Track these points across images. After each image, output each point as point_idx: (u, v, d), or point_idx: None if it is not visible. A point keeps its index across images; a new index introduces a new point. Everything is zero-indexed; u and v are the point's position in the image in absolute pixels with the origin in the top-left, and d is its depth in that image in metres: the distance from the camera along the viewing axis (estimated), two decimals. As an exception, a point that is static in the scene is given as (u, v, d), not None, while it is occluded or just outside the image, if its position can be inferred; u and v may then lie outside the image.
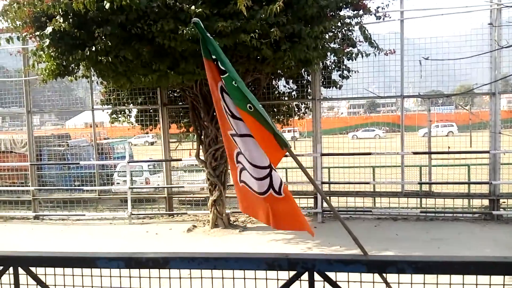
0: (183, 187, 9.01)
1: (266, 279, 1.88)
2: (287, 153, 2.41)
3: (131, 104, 8.91)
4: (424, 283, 1.78)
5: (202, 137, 7.41)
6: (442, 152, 7.99)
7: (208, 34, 2.33)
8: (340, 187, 8.63)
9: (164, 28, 5.53)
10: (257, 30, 5.56)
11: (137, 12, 5.50)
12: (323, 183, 8.12)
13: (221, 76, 2.33)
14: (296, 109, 8.86)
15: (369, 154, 8.19)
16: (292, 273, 1.85)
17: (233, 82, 2.26)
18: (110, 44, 5.67)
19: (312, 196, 8.20)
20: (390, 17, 7.43)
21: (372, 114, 21.62)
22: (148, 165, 11.41)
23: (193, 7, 5.46)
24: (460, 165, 8.39)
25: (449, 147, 7.79)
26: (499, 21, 7.11)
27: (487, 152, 7.41)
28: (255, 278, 1.90)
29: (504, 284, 1.76)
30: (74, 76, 7.00)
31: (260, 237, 6.86)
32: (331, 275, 1.85)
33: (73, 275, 2.11)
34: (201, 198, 8.73)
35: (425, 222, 7.44)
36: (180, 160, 8.88)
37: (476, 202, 7.92)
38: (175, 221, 8.30)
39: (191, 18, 5.47)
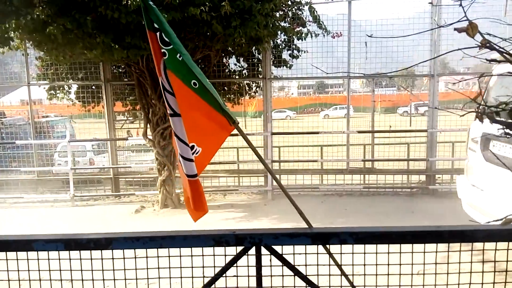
0: (130, 167, 8.72)
1: (214, 255, 1.88)
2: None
3: (71, 80, 8.36)
4: (364, 253, 1.86)
5: (150, 115, 7.16)
6: (384, 131, 8.39)
7: (151, 3, 2.20)
8: (290, 165, 8.83)
9: (107, -3, 5.19)
10: (207, 3, 5.39)
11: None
12: (273, 161, 8.24)
13: (165, 48, 2.22)
14: (247, 88, 8.83)
15: (317, 133, 8.41)
16: (240, 248, 1.86)
17: (178, 56, 2.17)
18: (48, 12, 5.22)
19: (263, 175, 8.31)
20: (338, -2, 7.54)
21: (321, 95, 22.18)
22: (92, 145, 10.88)
23: (138, -23, 5.15)
24: (400, 143, 8.91)
25: (390, 126, 8.20)
26: (439, 3, 7.47)
27: (425, 130, 7.91)
28: (203, 255, 1.89)
29: (436, 252, 1.90)
30: (7, 47, 6.39)
31: (211, 216, 6.85)
32: (278, 248, 1.88)
33: (6, 259, 1.97)
34: (150, 179, 8.51)
35: (368, 197, 7.85)
36: (126, 139, 8.55)
37: (415, 177, 8.47)
38: (122, 202, 8.06)
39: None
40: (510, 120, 1.14)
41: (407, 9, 8.07)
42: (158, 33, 2.20)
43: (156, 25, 2.20)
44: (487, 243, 1.81)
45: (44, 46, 5.94)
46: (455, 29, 1.20)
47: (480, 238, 1.75)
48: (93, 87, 8.39)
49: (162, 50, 2.24)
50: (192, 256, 1.89)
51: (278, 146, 9.15)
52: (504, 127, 1.15)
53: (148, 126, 7.23)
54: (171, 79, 2.32)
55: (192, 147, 2.51)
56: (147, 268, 1.93)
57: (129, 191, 8.68)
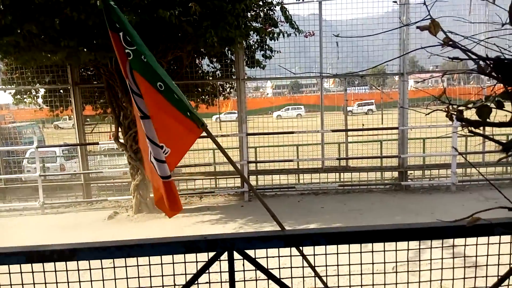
0: (102, 172, 8.48)
1: (185, 262, 1.82)
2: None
3: (38, 84, 8.06)
4: (337, 253, 1.86)
5: (121, 118, 6.99)
6: (357, 129, 8.52)
7: (112, 3, 2.11)
8: (266, 165, 8.83)
9: (73, -2, 5.02)
10: (176, 7, 5.30)
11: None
12: (249, 162, 8.20)
13: (129, 49, 2.14)
14: (221, 89, 8.76)
15: (292, 133, 8.44)
16: (212, 254, 1.82)
17: (142, 57, 2.10)
18: (10, 17, 5.00)
19: (239, 176, 8.26)
20: (309, -2, 7.59)
21: (296, 95, 22.35)
22: (63, 150, 10.54)
23: (104, -23, 5.01)
24: (373, 141, 9.07)
25: (363, 125, 8.32)
26: (407, 2, 7.64)
27: (396, 128, 8.07)
28: (173, 263, 1.83)
29: (408, 249, 1.91)
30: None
31: (187, 219, 6.76)
32: (251, 252, 1.85)
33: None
34: (124, 183, 8.31)
35: (343, 194, 7.94)
36: (97, 143, 8.31)
37: (388, 174, 8.63)
38: (95, 209, 7.82)
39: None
40: (473, 119, 1.15)
41: (376, 9, 8.20)
42: (121, 34, 2.13)
43: (118, 26, 2.12)
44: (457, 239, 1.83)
45: (7, 51, 5.70)
46: (417, 27, 1.20)
47: (449, 234, 1.77)
48: (61, 90, 8.11)
49: (126, 51, 2.17)
50: (162, 264, 1.83)
51: (254, 146, 9.14)
52: (468, 124, 1.16)
53: (120, 129, 7.05)
54: (138, 81, 2.25)
55: (161, 147, 2.47)
56: (115, 279, 1.85)
57: (102, 196, 8.44)
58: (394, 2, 6.89)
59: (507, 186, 7.70)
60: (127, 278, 1.87)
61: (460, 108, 1.32)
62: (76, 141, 8.12)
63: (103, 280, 1.86)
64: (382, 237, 1.80)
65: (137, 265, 1.86)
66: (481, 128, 1.33)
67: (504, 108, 1.29)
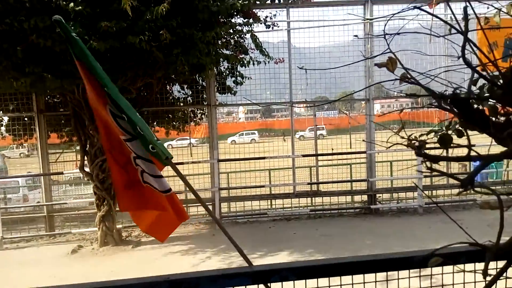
0: (66, 203, 8.12)
1: (147, 304, 1.72)
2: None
3: (1, 112, 7.74)
4: (306, 288, 1.81)
5: (87, 147, 6.78)
6: (326, 154, 8.62)
7: (74, 34, 2.07)
8: (238, 191, 8.74)
9: (38, 25, 4.92)
10: (146, 32, 5.29)
11: (5, 6, 4.80)
12: (220, 189, 8.11)
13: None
14: (192, 115, 8.72)
15: (264, 158, 8.45)
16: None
17: (105, 89, 2.05)
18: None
19: (210, 203, 8.12)
20: (278, 26, 7.80)
21: (268, 119, 22.60)
22: (26, 180, 10.09)
23: (71, 4, 4.96)
24: (343, 165, 9.21)
25: (332, 149, 8.46)
26: (371, 33, 7.99)
27: (364, 152, 8.25)
28: (134, 305, 1.72)
29: (375, 281, 1.89)
30: None
31: (155, 251, 6.52)
32: (217, 291, 1.78)
33: None
34: (89, 214, 7.97)
35: (314, 220, 7.94)
36: (62, 173, 7.98)
37: (357, 198, 8.74)
38: (58, 243, 7.42)
39: (70, 16, 4.98)
40: (432, 154, 1.17)
41: (342, 38, 8.51)
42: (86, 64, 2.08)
43: (81, 58, 2.07)
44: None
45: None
46: (375, 64, 1.22)
47: (416, 264, 1.77)
48: (26, 118, 7.83)
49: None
50: (122, 307, 1.72)
51: (226, 172, 9.07)
52: (426, 159, 1.18)
53: (86, 158, 6.83)
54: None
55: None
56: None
57: (66, 229, 8.04)
58: (355, 36, 7.19)
59: (470, 207, 7.95)
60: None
61: (421, 139, 1.35)
62: (40, 170, 7.78)
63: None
64: (350, 269, 1.78)
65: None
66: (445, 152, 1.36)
67: (464, 136, 1.33)
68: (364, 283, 1.83)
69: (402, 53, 1.43)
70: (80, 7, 4.96)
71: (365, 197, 8.51)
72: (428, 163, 1.18)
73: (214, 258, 6.00)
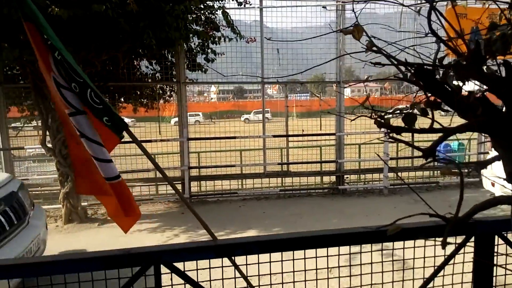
0: (28, 179, 7.80)
1: (106, 279, 1.67)
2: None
3: (-47, 82, 7.24)
4: (270, 262, 1.81)
5: (49, 121, 6.48)
6: (297, 135, 8.68)
7: (27, -5, 1.90)
8: (208, 171, 8.68)
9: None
10: (112, 0, 5.04)
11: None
12: (190, 167, 8.02)
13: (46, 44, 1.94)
14: (160, 92, 8.49)
15: (234, 138, 8.39)
16: (136, 269, 1.68)
17: (56, 54, 1.90)
18: None
19: (180, 182, 8.03)
20: (250, 4, 7.64)
21: (240, 100, 22.47)
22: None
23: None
24: (313, 147, 9.31)
25: (303, 131, 8.52)
26: (343, 15, 7.98)
27: (334, 134, 8.36)
28: (92, 280, 1.67)
29: (339, 255, 1.91)
30: None
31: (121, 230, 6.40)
32: (180, 265, 1.75)
33: None
34: (54, 191, 7.70)
35: (284, 199, 8.03)
36: (23, 148, 7.63)
37: (326, 179, 8.89)
38: (19, 220, 7.15)
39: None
40: (396, 125, 1.16)
41: (315, 19, 8.47)
42: (36, 26, 1.91)
43: (32, 19, 1.90)
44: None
45: None
46: (340, 30, 1.19)
47: (378, 239, 1.80)
48: (-18, 91, 7.36)
49: (49, 42, 1.95)
50: (79, 282, 1.66)
51: (196, 151, 8.97)
52: (389, 131, 1.17)
53: (48, 133, 6.54)
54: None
55: (102, 145, 2.16)
56: (24, 302, 1.65)
57: (28, 206, 7.74)
58: (323, 7, 7.14)
59: (433, 189, 8.28)
60: (39, 299, 1.67)
61: (386, 115, 1.35)
62: (-2, 145, 7.40)
63: (9, 303, 1.65)
64: (314, 243, 1.79)
65: (51, 284, 1.67)
66: (410, 135, 1.37)
67: (428, 116, 1.33)
68: (327, 256, 1.85)
69: (374, 36, 1.40)
70: (40, -29, 4.64)
71: (333, 178, 8.67)
72: (392, 134, 1.18)
73: (182, 236, 5.97)
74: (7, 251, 3.38)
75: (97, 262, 1.60)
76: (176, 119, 8.12)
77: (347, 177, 8.71)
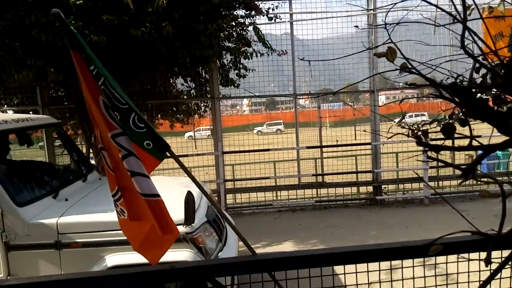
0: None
1: (153, 294, 1.75)
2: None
3: (5, 106, 7.81)
4: (309, 277, 1.83)
5: (92, 140, 6.82)
6: (331, 146, 8.61)
7: (72, 28, 2.07)
8: (243, 183, 8.77)
9: (40, 20, 4.94)
10: (147, 25, 5.29)
11: (6, 1, 4.82)
12: (225, 180, 8.14)
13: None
14: (195, 108, 8.73)
15: (268, 150, 8.45)
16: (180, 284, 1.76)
17: (100, 82, 2.03)
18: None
19: (216, 195, 8.16)
20: (280, 19, 7.75)
21: (272, 112, 22.56)
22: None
23: (72, -2, 4.95)
24: (348, 156, 9.19)
25: (337, 141, 8.44)
26: (375, 21, 7.92)
27: (369, 144, 8.23)
28: (140, 295, 1.76)
29: (379, 270, 1.91)
30: None
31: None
32: (221, 280, 1.80)
33: None
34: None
35: (320, 210, 7.96)
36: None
37: (363, 189, 8.73)
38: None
39: (71, 10, 4.99)
40: (433, 143, 1.17)
41: (346, 29, 8.45)
42: (83, 55, 2.06)
43: (81, 52, 2.06)
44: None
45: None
46: (374, 54, 1.22)
47: (419, 254, 1.78)
48: (30, 112, 7.87)
49: (95, 72, 2.07)
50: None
51: (231, 164, 9.09)
52: (427, 149, 1.18)
53: (91, 151, 6.88)
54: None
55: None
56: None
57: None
58: (355, 27, 7.12)
59: (476, 198, 7.92)
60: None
61: (423, 128, 1.35)
62: (45, 164, 7.84)
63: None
64: (354, 258, 1.79)
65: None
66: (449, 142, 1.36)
67: (466, 127, 1.32)
68: (368, 272, 1.84)
69: (407, 44, 1.42)
70: (81, 1, 4.96)
71: (370, 188, 8.51)
72: (429, 153, 1.18)
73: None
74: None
75: (143, 277, 1.68)
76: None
77: (385, 187, 8.52)
